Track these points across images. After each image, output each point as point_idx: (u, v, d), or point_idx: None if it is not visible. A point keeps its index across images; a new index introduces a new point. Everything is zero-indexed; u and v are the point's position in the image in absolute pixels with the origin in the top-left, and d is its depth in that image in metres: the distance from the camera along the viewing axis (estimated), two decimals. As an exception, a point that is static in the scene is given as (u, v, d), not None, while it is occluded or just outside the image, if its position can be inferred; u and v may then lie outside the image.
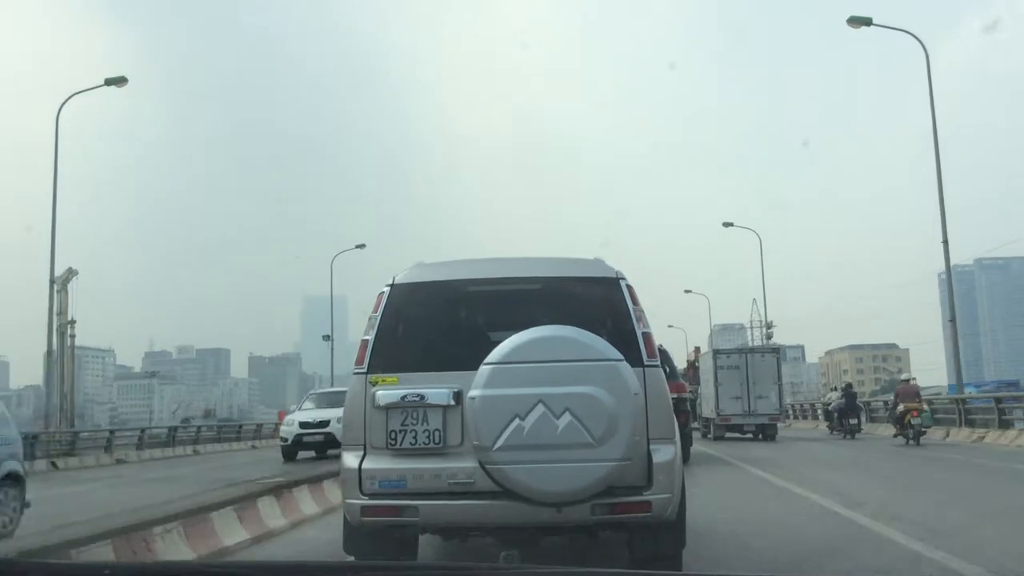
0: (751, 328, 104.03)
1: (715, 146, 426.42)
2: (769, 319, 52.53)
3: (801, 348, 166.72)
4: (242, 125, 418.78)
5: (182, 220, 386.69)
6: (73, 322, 41.59)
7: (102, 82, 27.84)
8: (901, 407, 20.15)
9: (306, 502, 9.25)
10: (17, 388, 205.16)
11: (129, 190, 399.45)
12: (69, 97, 27.90)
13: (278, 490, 8.70)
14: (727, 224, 46.88)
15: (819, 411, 35.82)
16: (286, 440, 20.55)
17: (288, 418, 22.00)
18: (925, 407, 20.52)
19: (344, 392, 5.44)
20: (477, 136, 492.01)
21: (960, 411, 21.94)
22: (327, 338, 46.18)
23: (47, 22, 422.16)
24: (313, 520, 8.88)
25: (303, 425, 20.24)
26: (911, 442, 19.56)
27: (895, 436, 20.76)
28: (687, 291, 64.79)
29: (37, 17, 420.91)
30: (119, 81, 28.01)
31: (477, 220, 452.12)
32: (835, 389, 31.26)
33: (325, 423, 19.46)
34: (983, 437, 19.59)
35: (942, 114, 25.14)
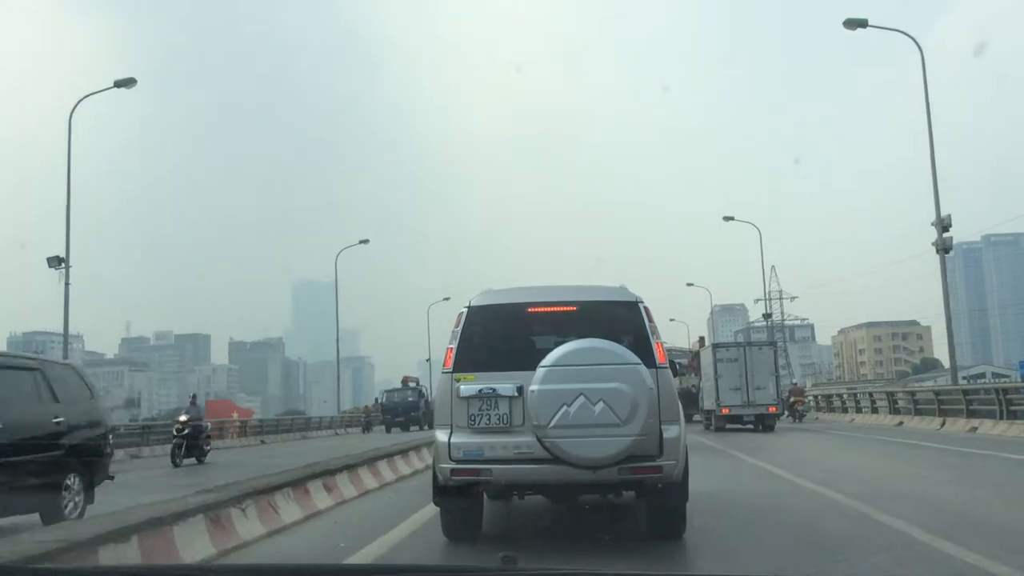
0: (767, 300, 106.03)
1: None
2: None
3: (810, 327, 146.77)
4: (226, 112, 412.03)
5: (165, 205, 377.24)
6: None
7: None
8: (792, 399, 33.14)
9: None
10: None
11: (110, 174, 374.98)
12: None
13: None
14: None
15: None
16: None
17: None
18: (805, 400, 33.66)
19: None
20: (479, 132, 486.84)
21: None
22: (60, 260, 28.15)
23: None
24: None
25: None
26: (796, 421, 32.30)
27: (787, 417, 33.31)
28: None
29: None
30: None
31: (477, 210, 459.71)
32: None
33: None
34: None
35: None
